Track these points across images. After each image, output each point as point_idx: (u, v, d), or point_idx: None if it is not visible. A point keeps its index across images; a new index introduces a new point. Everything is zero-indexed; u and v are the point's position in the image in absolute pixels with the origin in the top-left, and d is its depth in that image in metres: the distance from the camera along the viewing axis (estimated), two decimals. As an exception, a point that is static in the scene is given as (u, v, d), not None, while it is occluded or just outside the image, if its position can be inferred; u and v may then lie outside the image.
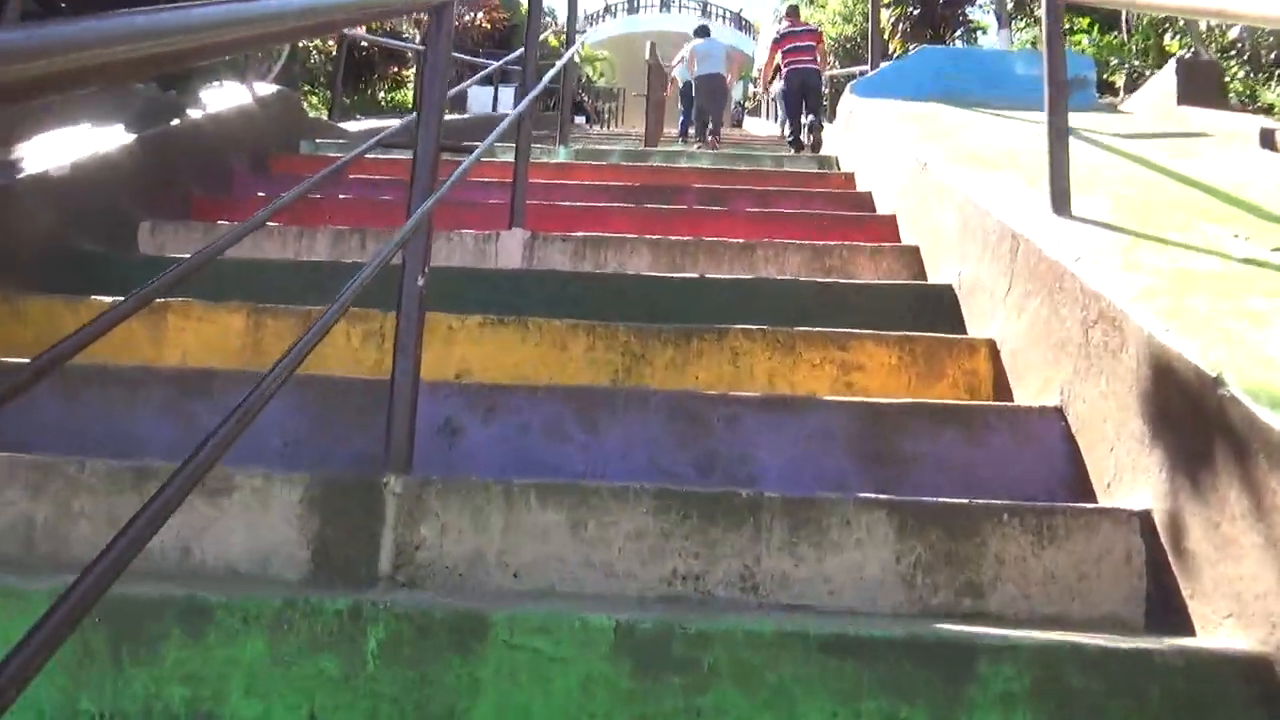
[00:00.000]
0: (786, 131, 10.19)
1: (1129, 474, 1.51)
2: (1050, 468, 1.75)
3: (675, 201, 3.63)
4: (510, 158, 4.70)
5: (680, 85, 12.99)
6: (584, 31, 32.48)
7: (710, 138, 11.20)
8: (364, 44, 11.17)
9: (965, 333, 2.35)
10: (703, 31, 12.25)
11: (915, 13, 11.05)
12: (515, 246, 2.95)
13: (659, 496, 1.48)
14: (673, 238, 2.97)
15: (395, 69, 12.10)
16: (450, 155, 2.09)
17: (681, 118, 12.65)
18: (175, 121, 3.42)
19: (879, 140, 3.65)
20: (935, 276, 2.69)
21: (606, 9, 42.59)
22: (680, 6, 42.47)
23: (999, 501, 1.48)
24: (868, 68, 5.85)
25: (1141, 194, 2.32)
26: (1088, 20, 14.32)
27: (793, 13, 10.68)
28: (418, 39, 17.95)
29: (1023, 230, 2.04)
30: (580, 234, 3.00)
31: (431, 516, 1.49)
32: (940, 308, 2.46)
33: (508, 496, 1.50)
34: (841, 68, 17.51)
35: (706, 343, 2.19)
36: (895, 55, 12.81)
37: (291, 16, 1.02)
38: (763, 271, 2.88)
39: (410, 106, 8.93)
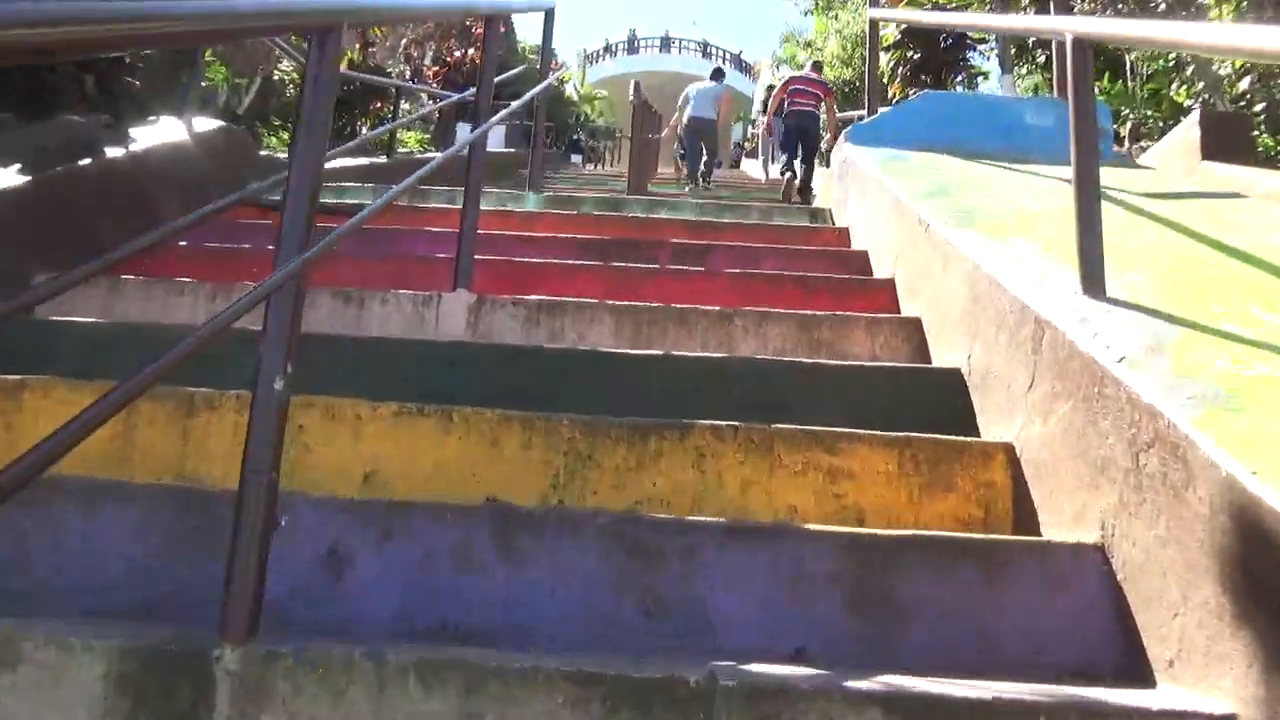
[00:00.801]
0: (778, 171, 10.42)
1: (1201, 657, 1.17)
2: (1090, 627, 1.40)
3: (650, 258, 3.31)
4: (484, 204, 4.43)
5: (680, 127, 13.07)
6: (567, 67, 32.71)
7: (702, 179, 11.40)
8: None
9: (977, 431, 2.02)
10: (718, 75, 12.37)
11: (915, 57, 10.90)
12: (458, 311, 2.62)
13: (580, 682, 1.13)
14: (640, 304, 2.64)
15: (378, 104, 11.87)
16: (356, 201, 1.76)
17: (678, 161, 12.81)
18: (86, 161, 3.09)
19: (876, 194, 3.35)
20: (941, 357, 2.36)
21: (606, 49, 43.16)
22: (680, 47, 43.04)
23: (1038, 696, 1.13)
24: (864, 112, 5.60)
25: (1183, 270, 2.00)
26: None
27: (816, 67, 11.08)
28: (408, 74, 17.93)
29: (1048, 314, 1.71)
30: (535, 298, 2.67)
31: (276, 704, 1.14)
32: (947, 398, 2.12)
33: (379, 675, 1.14)
34: (840, 111, 17.46)
35: (667, 441, 1.85)
36: (894, 100, 12.67)
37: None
38: (740, 345, 2.55)
39: (385, 143, 8.65)
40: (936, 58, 11.20)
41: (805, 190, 9.40)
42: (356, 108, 11.53)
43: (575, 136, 27.27)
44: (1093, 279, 1.79)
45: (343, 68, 12.07)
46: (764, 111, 17.64)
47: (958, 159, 3.60)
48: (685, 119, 11.35)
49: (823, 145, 10.70)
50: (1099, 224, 1.81)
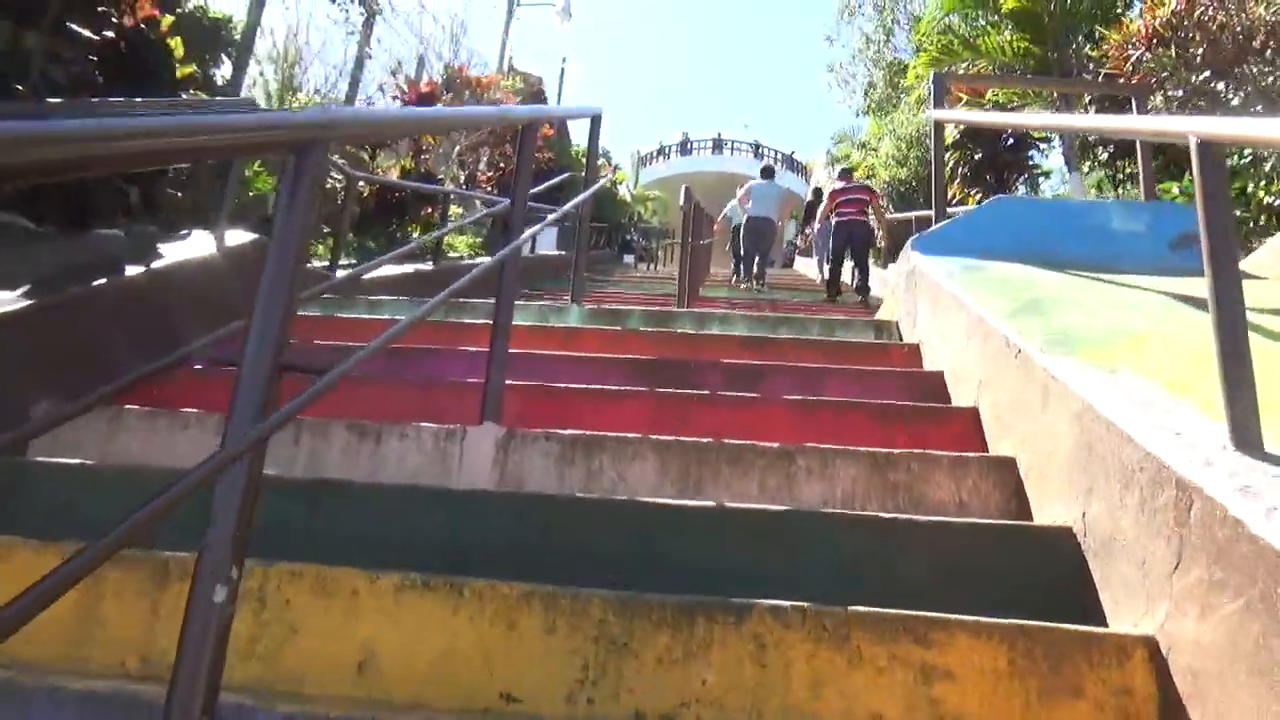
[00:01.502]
0: (826, 273, 11.03)
1: None
2: None
3: (699, 382, 3.05)
4: (523, 318, 4.24)
5: (731, 227, 13.28)
6: (620, 168, 33.43)
7: (757, 281, 11.97)
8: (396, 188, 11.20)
9: (1100, 610, 1.67)
10: (767, 173, 12.64)
11: (976, 156, 10.73)
12: (485, 448, 2.37)
13: None
14: (688, 440, 2.36)
15: (429, 210, 12.04)
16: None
17: (732, 260, 13.04)
18: (103, 280, 2.97)
19: (952, 309, 3.06)
20: (1044, 510, 2.03)
21: (660, 151, 44.29)
22: (733, 148, 43.93)
23: None
24: (930, 214, 5.37)
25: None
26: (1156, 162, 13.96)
27: (845, 174, 11.50)
28: (462, 179, 18.31)
29: (1195, 478, 1.39)
30: (570, 432, 2.41)
31: None
32: (1057, 565, 1.79)
33: None
34: (896, 211, 17.34)
35: (719, 626, 1.54)
36: (954, 201, 12.47)
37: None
38: (804, 489, 2.25)
39: (428, 249, 8.64)
40: (999, 157, 11.03)
41: (864, 290, 10.25)
42: (407, 213, 11.71)
43: (628, 237, 27.69)
44: (1245, 430, 1.47)
45: (395, 174, 12.37)
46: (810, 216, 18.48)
47: (1042, 270, 3.32)
48: (745, 218, 11.79)
49: (878, 243, 11.22)
50: (1249, 361, 1.50)
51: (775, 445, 2.33)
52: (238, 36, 9.40)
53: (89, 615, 1.67)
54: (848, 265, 10.38)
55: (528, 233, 2.60)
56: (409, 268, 6.97)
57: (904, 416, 2.67)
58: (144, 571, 1.68)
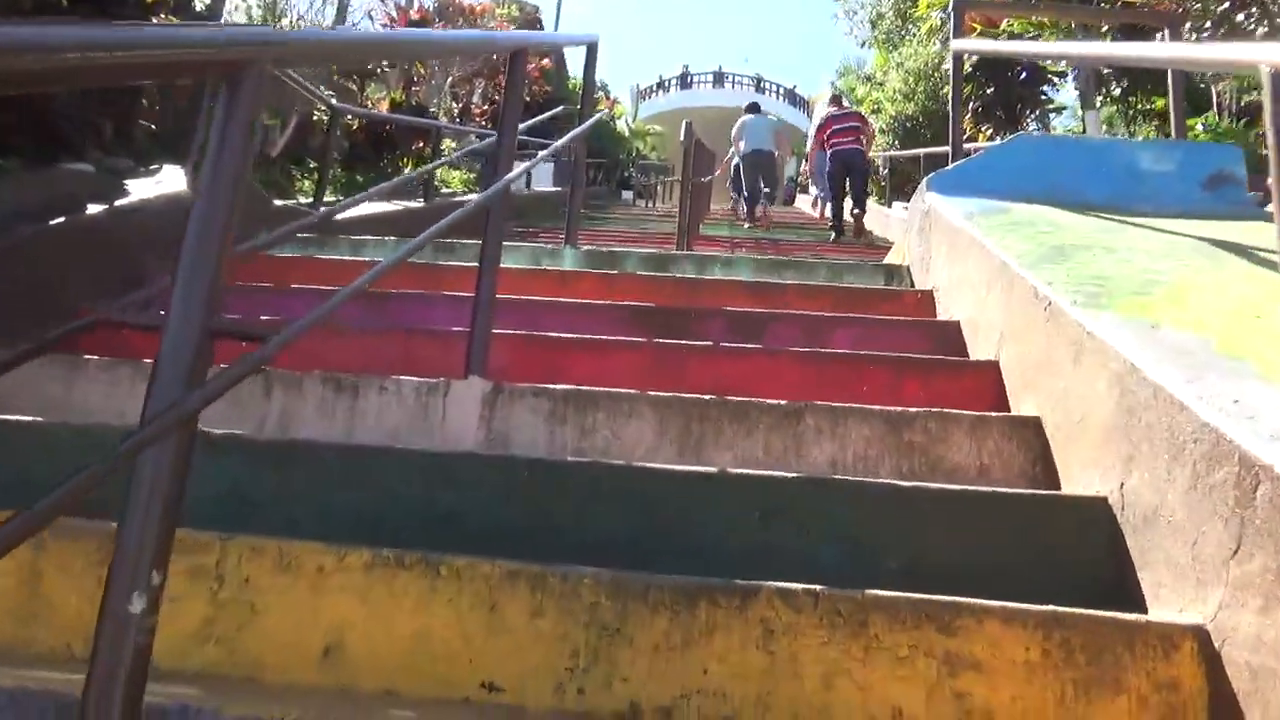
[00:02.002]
0: (829, 213, 10.82)
1: None
2: None
3: (701, 332, 2.89)
4: (515, 261, 4.05)
5: (731, 166, 13.12)
6: (619, 102, 32.92)
7: (760, 218, 11.74)
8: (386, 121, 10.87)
9: (1138, 589, 1.54)
10: (753, 108, 12.54)
11: (989, 91, 10.40)
12: (470, 405, 2.23)
13: None
14: (688, 396, 2.21)
15: (420, 143, 11.71)
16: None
17: (734, 196, 12.97)
18: (60, 219, 2.79)
19: (972, 255, 2.89)
20: (1074, 477, 1.89)
21: (660, 85, 43.53)
22: (734, 82, 43.14)
23: None
24: (944, 151, 5.16)
25: None
26: (1161, 103, 13.58)
27: (835, 100, 11.37)
28: (456, 111, 17.86)
29: (1263, 455, 1.24)
30: (562, 387, 2.26)
31: None
32: (1092, 538, 1.66)
33: None
34: (902, 148, 16.95)
35: (722, 610, 1.41)
36: (965, 138, 12.14)
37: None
38: (813, 450, 2.11)
39: (417, 184, 8.37)
40: (1012, 92, 10.71)
41: (860, 226, 10.21)
42: (398, 147, 11.39)
43: (627, 173, 27.26)
44: (1317, 400, 1.32)
45: (384, 107, 12.01)
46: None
47: (1067, 212, 3.14)
48: (742, 153, 11.54)
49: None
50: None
51: (782, 403, 2.18)
52: (216, -42, 9.04)
53: (33, 593, 1.53)
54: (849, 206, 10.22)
55: (517, 170, 2.42)
56: (398, 205, 6.76)
57: (919, 370, 2.52)
58: (93, 543, 1.54)
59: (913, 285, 3.58)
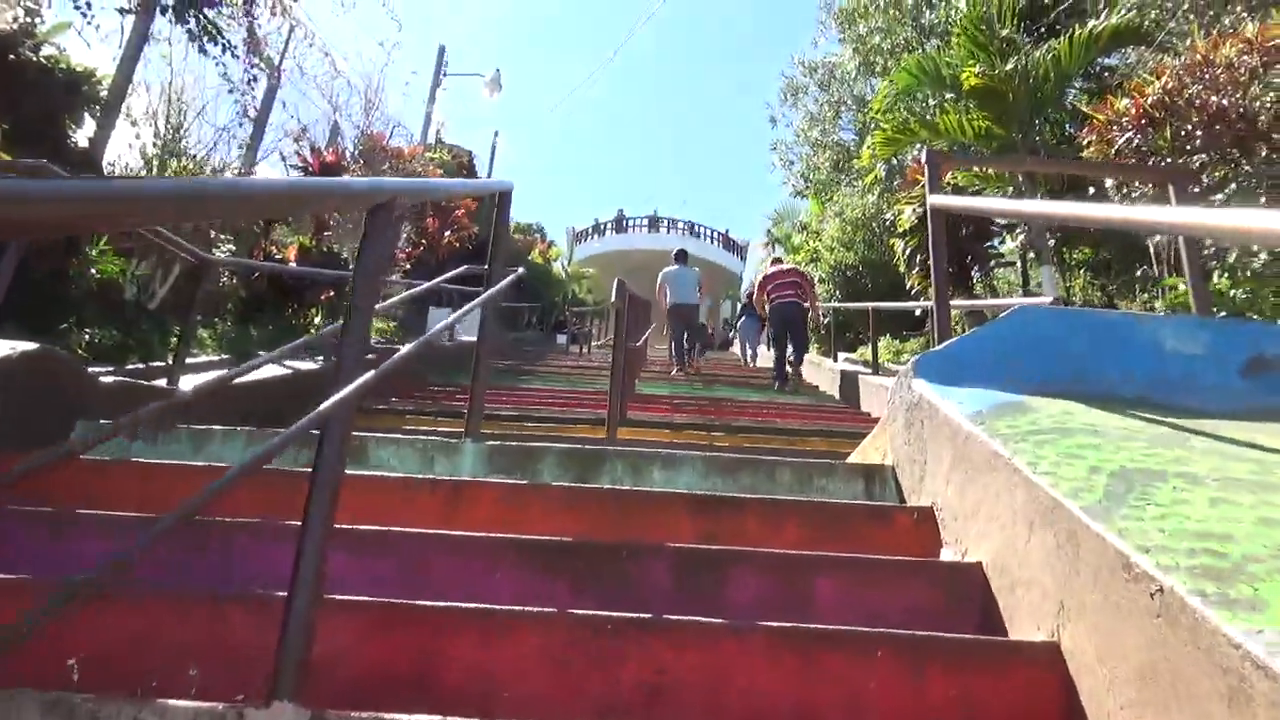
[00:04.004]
0: (756, 363, 12.39)
1: None
2: None
3: (636, 578, 2.17)
4: (399, 460, 3.28)
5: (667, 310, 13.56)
6: (555, 244, 33.16)
7: (688, 367, 12.99)
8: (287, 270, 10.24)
9: None
10: (680, 256, 13.37)
11: (936, 243, 10.21)
12: (267, 756, 1.44)
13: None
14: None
15: (330, 293, 11.04)
16: None
17: (670, 345, 14.07)
18: None
19: (991, 476, 2.25)
20: None
21: (595, 228, 44.44)
22: (668, 226, 44.17)
23: None
24: (906, 307, 4.65)
25: None
26: (1088, 251, 13.70)
27: (777, 261, 12.67)
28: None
29: None
30: None
31: None
32: None
33: None
34: (844, 296, 16.86)
35: None
36: (913, 291, 11.99)
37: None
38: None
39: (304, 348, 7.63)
40: (961, 246, 10.56)
41: (797, 374, 11.27)
42: (305, 296, 10.69)
43: (561, 317, 27.12)
44: None
45: (291, 253, 11.37)
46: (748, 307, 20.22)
47: (1097, 410, 2.55)
48: (668, 305, 12.51)
49: (810, 326, 12.67)
50: None
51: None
52: (104, 93, 8.46)
53: None
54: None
55: (355, 384, 1.72)
56: (286, 369, 5.98)
57: (945, 656, 1.80)
58: None
59: (902, 498, 2.92)
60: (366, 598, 1.93)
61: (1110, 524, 1.68)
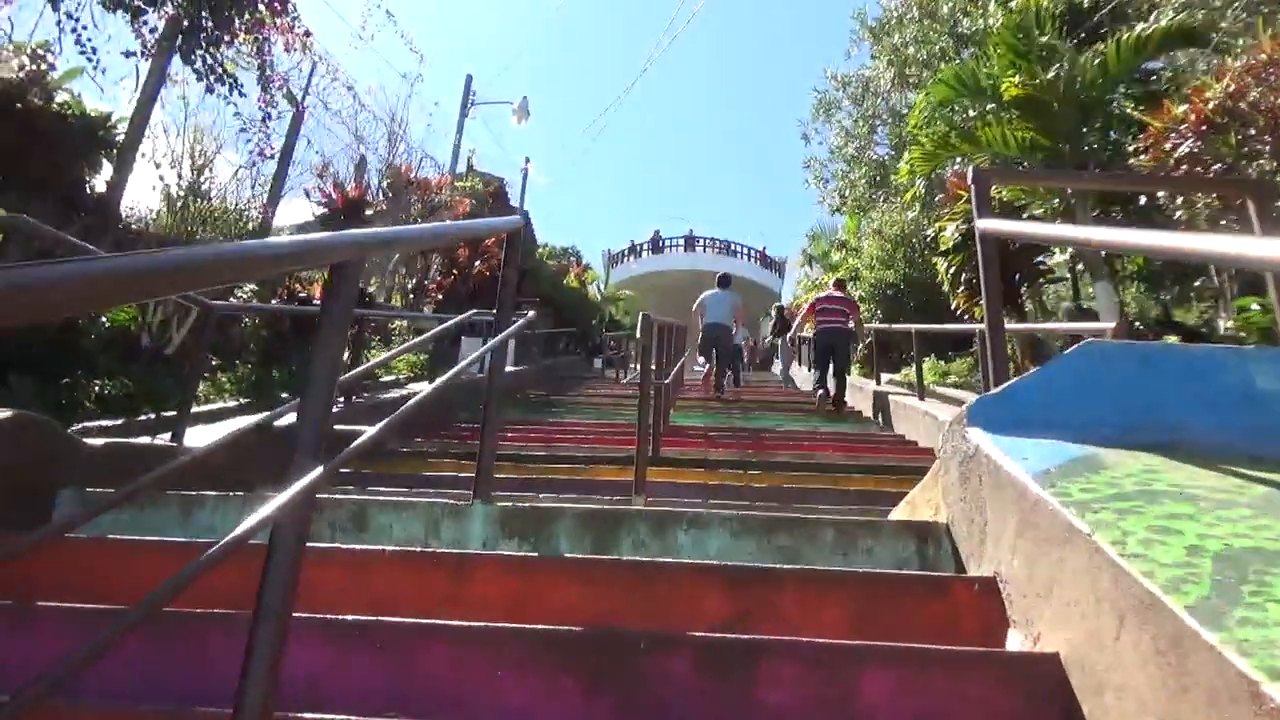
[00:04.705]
0: (812, 386, 12.12)
1: None
2: None
3: (654, 678, 1.90)
4: (402, 529, 3.03)
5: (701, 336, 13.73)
6: (590, 267, 33.15)
7: (727, 389, 13.33)
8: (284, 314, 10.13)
9: None
10: (723, 281, 13.39)
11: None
12: None
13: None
14: None
15: (355, 328, 10.92)
16: None
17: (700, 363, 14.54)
18: None
19: (1068, 551, 1.95)
20: None
21: (631, 249, 44.56)
22: (704, 246, 44.15)
23: None
24: (948, 329, 4.33)
25: None
26: (1141, 260, 13.24)
27: (839, 285, 12.49)
28: (409, 287, 17.31)
29: None
30: None
31: None
32: None
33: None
34: (886, 316, 16.46)
35: None
36: (959, 312, 11.61)
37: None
38: None
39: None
40: (1005, 262, 10.15)
41: (840, 403, 11.22)
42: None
43: (598, 340, 27.11)
44: None
45: (317, 290, 11.30)
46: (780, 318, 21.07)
47: (1183, 464, 2.24)
48: (702, 324, 12.86)
49: (853, 354, 13.05)
50: None
51: None
52: (120, 137, 8.41)
53: None
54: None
55: (308, 478, 1.47)
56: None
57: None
58: None
59: (960, 564, 2.62)
60: (343, 716, 1.67)
61: (1226, 633, 1.38)
